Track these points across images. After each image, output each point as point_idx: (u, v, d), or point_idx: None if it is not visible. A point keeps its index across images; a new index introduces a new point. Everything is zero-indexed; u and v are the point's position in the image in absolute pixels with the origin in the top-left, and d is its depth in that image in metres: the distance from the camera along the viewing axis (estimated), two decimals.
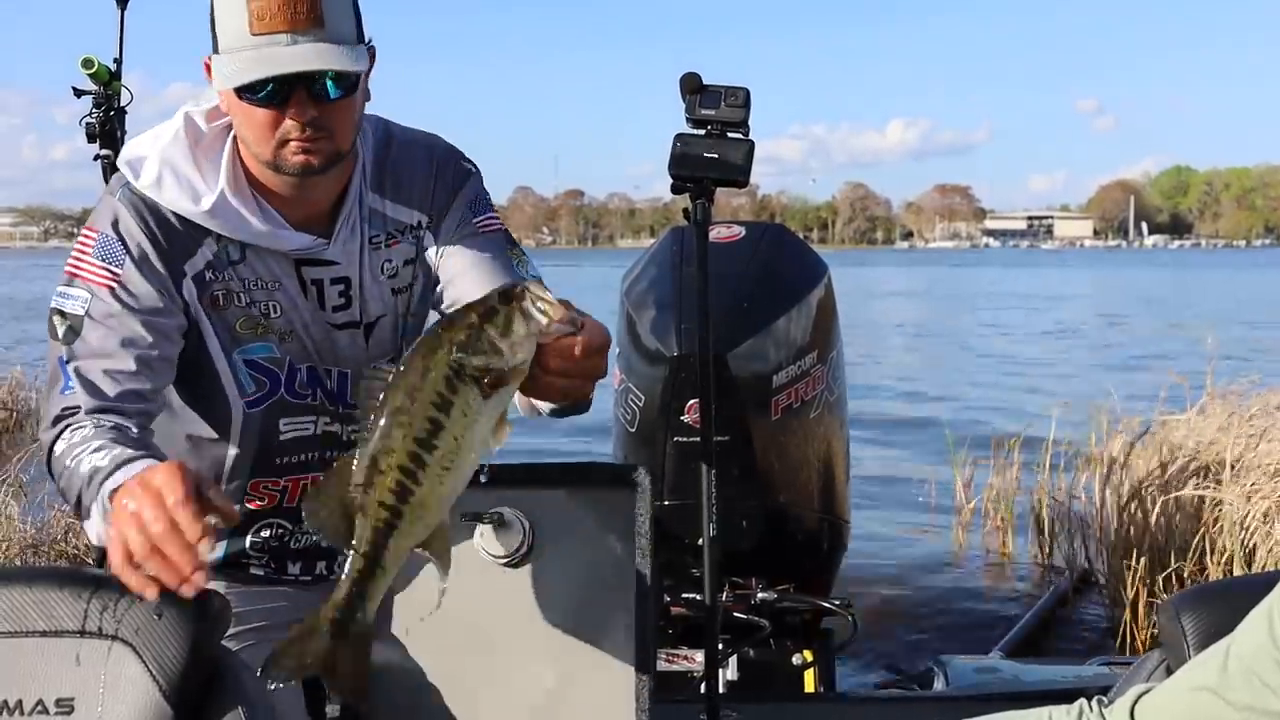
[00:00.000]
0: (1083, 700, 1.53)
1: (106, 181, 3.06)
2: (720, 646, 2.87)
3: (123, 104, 3.06)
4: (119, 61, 3.08)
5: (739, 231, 3.55)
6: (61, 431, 1.67)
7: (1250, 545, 4.87)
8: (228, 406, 1.92)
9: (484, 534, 2.02)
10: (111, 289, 1.75)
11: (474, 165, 2.02)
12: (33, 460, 6.32)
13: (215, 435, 1.95)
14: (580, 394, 1.52)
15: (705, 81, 2.47)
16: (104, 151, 3.05)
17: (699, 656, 3.12)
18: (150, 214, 1.78)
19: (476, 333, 1.36)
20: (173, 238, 1.80)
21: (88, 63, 2.97)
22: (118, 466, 1.53)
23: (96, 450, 1.59)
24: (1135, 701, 1.47)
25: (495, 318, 1.37)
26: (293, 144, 1.72)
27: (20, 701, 1.42)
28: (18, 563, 4.85)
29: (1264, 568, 4.75)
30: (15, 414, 10.13)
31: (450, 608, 2.06)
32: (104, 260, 1.76)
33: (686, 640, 3.34)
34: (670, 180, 2.53)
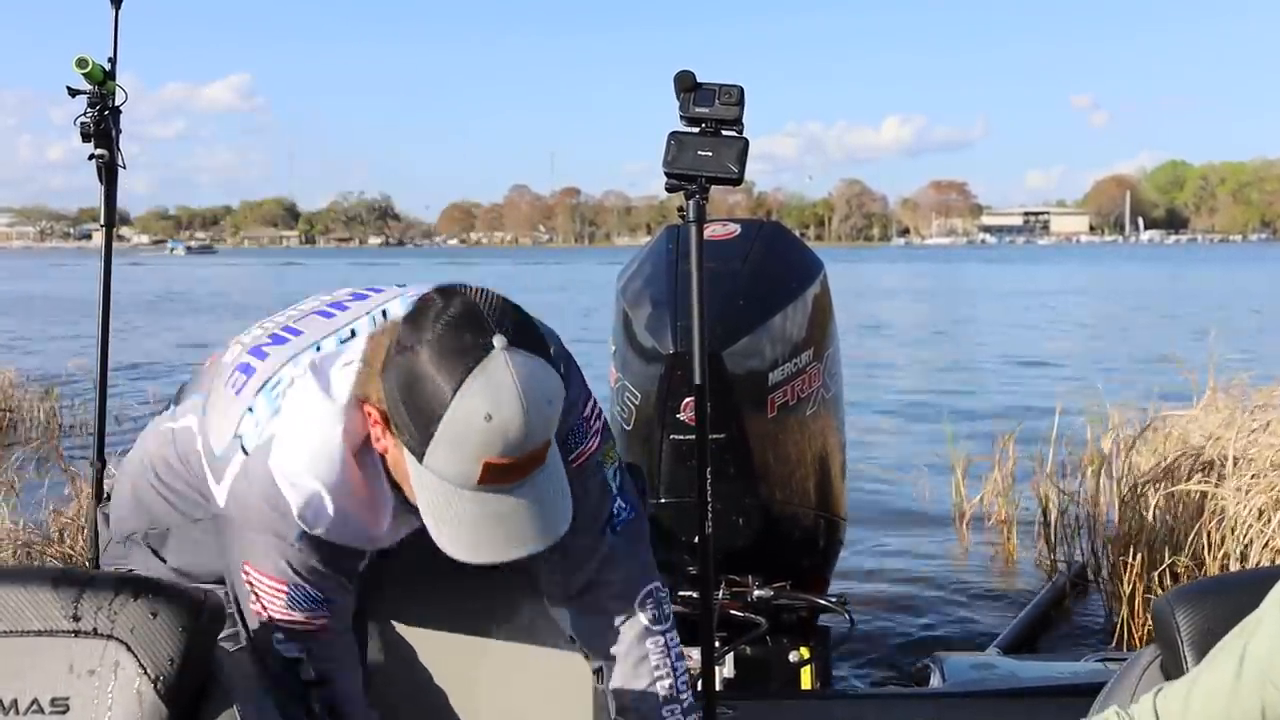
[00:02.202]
0: (1115, 708, 1.52)
1: (102, 181, 3.08)
2: (717, 644, 2.87)
3: (117, 103, 3.06)
4: (113, 61, 3.08)
5: (734, 229, 3.55)
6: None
7: (1247, 541, 4.87)
8: None
9: None
10: (327, 632, 1.76)
11: (570, 391, 1.82)
12: (27, 460, 6.32)
13: None
14: None
15: (699, 79, 2.48)
16: (99, 151, 3.05)
17: (696, 654, 3.10)
18: (327, 546, 1.73)
19: None
20: (350, 556, 1.78)
21: (82, 62, 2.97)
22: None
23: None
24: (1155, 700, 1.47)
25: None
26: None
27: (15, 701, 1.42)
28: (11, 562, 4.84)
29: (1259, 563, 4.75)
30: (8, 414, 10.11)
31: (441, 607, 2.07)
32: (307, 611, 1.74)
33: (683, 638, 3.33)
34: (665, 179, 2.53)
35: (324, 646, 1.76)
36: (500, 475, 1.53)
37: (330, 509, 1.66)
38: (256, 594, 1.73)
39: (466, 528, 1.56)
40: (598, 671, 1.97)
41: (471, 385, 1.49)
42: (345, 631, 1.82)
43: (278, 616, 1.73)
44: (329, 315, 1.82)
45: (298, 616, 1.73)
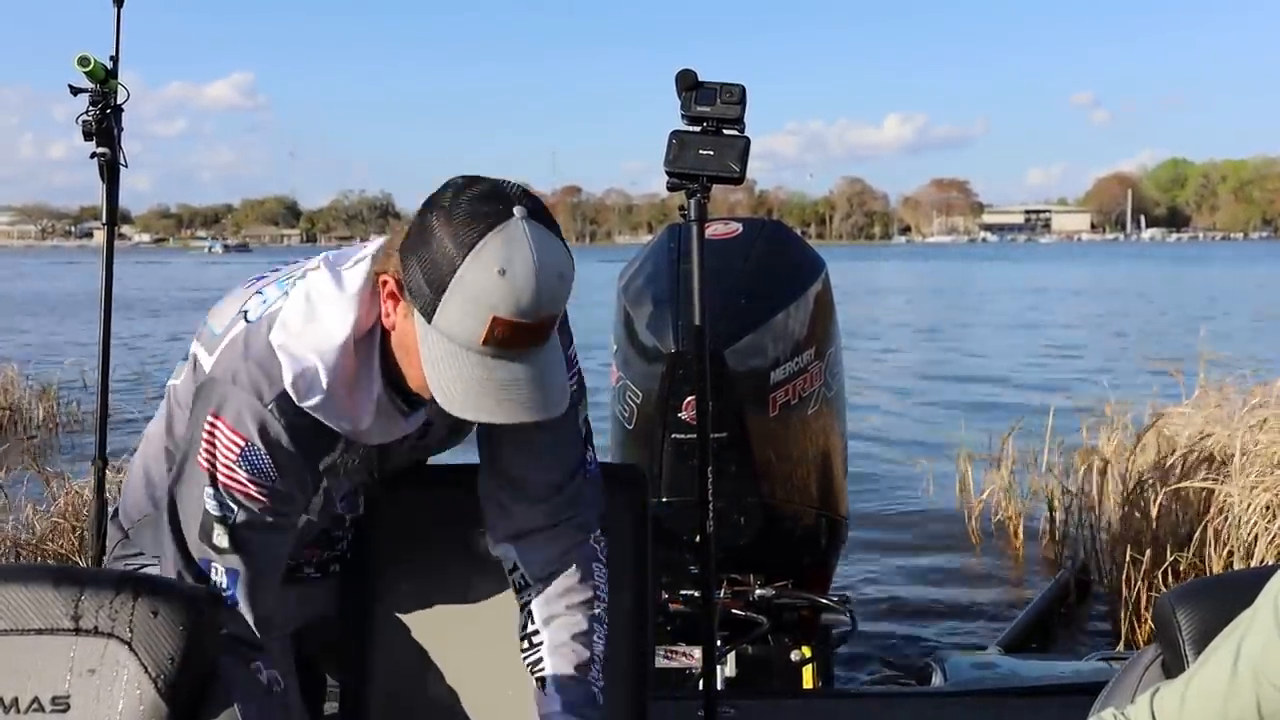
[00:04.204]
0: (1111, 710, 1.52)
1: (104, 180, 3.09)
2: (718, 643, 2.87)
3: (119, 102, 3.06)
4: (115, 59, 3.08)
5: (736, 228, 3.55)
6: None
7: (1251, 538, 4.86)
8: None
9: (484, 533, 2.03)
10: (265, 504, 1.73)
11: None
12: (20, 458, 6.32)
13: None
14: None
15: (701, 78, 2.47)
16: (101, 150, 3.05)
17: (697, 653, 3.12)
18: (302, 423, 1.72)
19: None
20: (319, 442, 1.77)
21: (84, 60, 2.96)
22: None
23: None
24: (1152, 700, 1.46)
25: None
26: None
27: (16, 700, 1.42)
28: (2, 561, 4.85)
29: (1263, 561, 4.75)
30: (9, 412, 10.12)
31: (451, 605, 2.08)
32: (254, 473, 1.71)
33: (685, 637, 3.35)
34: (666, 177, 2.53)
35: (248, 531, 1.73)
36: (505, 338, 1.58)
37: (323, 383, 1.70)
38: (212, 443, 1.71)
39: (466, 385, 1.61)
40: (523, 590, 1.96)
41: (489, 242, 1.56)
42: (276, 555, 1.80)
43: (221, 469, 1.71)
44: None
45: (241, 476, 1.71)
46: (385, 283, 1.67)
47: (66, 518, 5.22)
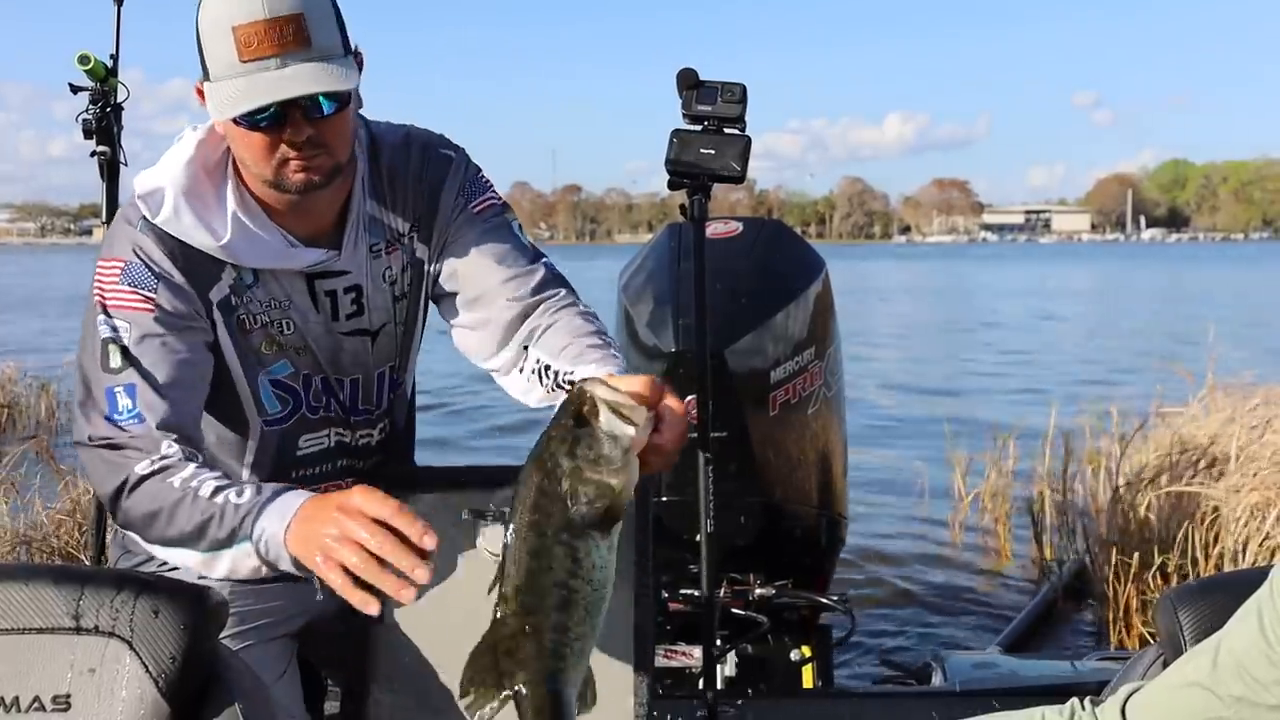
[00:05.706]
0: (1074, 700, 1.53)
1: (104, 178, 3.09)
2: (718, 642, 2.86)
3: (119, 100, 3.06)
4: (115, 58, 3.08)
5: (736, 227, 3.55)
6: (158, 470, 1.68)
7: (1243, 539, 4.87)
8: (245, 427, 1.95)
9: (486, 533, 2.03)
10: (151, 314, 1.78)
11: (454, 150, 2.03)
12: (24, 456, 6.31)
13: (230, 453, 1.97)
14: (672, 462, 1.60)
15: (702, 77, 2.47)
16: (101, 148, 3.04)
17: (697, 653, 3.11)
18: (173, 243, 1.81)
19: (577, 479, 1.35)
20: (195, 266, 1.82)
21: (84, 59, 2.96)
22: (268, 501, 1.60)
23: (224, 488, 1.64)
24: (1126, 700, 1.47)
25: (584, 448, 1.37)
26: (292, 163, 1.75)
27: (17, 699, 1.42)
28: (9, 559, 4.84)
29: (1255, 562, 4.75)
30: (8, 410, 10.10)
31: (452, 605, 2.07)
32: (135, 286, 1.79)
33: (684, 636, 3.34)
34: (667, 176, 2.53)
35: (141, 346, 1.77)
36: (255, 42, 1.67)
37: (170, 197, 1.79)
38: (101, 281, 1.81)
39: (244, 90, 1.68)
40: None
41: None
42: (179, 372, 1.79)
43: (109, 296, 1.79)
44: None
45: (124, 292, 1.79)
46: (198, 90, 1.77)
47: (72, 515, 5.22)
